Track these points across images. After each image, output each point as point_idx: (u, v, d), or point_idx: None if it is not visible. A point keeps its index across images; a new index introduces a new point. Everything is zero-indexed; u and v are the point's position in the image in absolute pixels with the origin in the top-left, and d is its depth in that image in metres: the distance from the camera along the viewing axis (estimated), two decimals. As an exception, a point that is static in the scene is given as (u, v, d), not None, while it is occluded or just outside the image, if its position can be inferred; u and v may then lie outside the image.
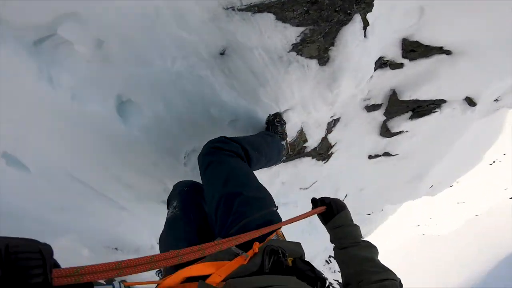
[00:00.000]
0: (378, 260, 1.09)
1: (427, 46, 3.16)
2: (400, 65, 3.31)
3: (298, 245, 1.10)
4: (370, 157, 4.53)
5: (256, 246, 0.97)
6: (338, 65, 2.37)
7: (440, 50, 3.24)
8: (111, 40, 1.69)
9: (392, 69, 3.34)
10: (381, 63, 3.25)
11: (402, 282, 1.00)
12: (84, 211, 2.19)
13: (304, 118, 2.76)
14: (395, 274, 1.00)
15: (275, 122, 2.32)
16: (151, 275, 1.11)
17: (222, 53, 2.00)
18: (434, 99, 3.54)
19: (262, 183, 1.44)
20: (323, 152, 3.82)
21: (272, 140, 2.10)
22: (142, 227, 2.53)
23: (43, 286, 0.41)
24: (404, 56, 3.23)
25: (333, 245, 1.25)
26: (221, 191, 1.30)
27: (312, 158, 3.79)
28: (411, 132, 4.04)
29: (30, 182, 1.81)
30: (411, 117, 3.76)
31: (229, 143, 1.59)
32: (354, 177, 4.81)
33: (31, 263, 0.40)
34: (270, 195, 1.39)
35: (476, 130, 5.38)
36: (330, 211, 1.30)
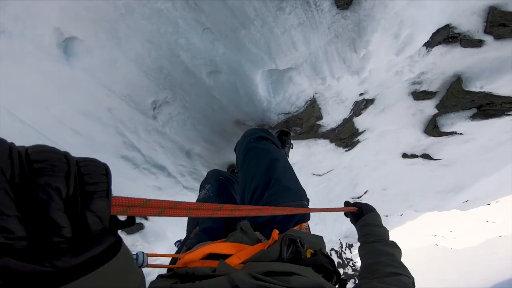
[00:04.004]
0: (399, 258, 1.00)
1: (527, 21, 1.95)
2: (478, 43, 2.13)
3: (319, 238, 1.00)
4: (404, 155, 3.43)
5: (275, 234, 0.90)
6: (367, 12, 1.38)
7: (544, 28, 2.00)
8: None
9: (464, 47, 2.17)
10: (447, 36, 2.09)
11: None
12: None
13: (317, 86, 1.83)
14: (410, 274, 0.90)
15: (286, 143, 2.12)
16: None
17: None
18: (515, 96, 2.32)
19: None
20: (346, 137, 2.86)
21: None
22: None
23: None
24: (487, 31, 2.04)
25: (360, 241, 1.16)
26: (260, 178, 1.24)
27: (331, 141, 2.86)
28: (466, 136, 2.85)
29: None
30: (473, 116, 2.58)
31: (272, 135, 1.61)
32: (379, 174, 3.76)
33: (97, 185, 0.32)
34: (303, 189, 1.30)
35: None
36: (361, 212, 1.23)
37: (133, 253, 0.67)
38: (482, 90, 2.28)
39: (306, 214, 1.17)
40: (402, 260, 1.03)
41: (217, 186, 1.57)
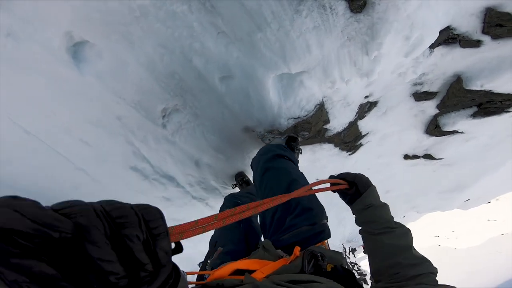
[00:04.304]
0: (414, 248, 0.89)
1: (521, 21, 2.01)
2: (477, 43, 2.18)
3: (339, 254, 0.96)
4: (406, 157, 3.44)
5: (297, 250, 0.90)
6: (380, 15, 1.39)
7: (539, 29, 2.06)
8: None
9: (463, 47, 2.22)
10: (448, 37, 2.14)
11: None
12: (30, 164, 1.54)
13: (326, 90, 1.82)
14: (432, 264, 0.83)
15: (295, 148, 2.07)
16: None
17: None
18: (514, 93, 2.36)
19: None
20: (350, 141, 2.85)
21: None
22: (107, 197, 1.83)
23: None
24: (485, 32, 2.10)
25: (360, 227, 1.02)
26: None
27: (335, 146, 2.85)
28: (467, 135, 2.88)
29: None
30: (474, 115, 2.61)
31: (288, 151, 1.59)
32: (382, 177, 3.75)
33: (159, 228, 0.39)
34: (322, 207, 1.25)
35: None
36: (356, 189, 1.03)
37: None
38: (482, 89, 2.31)
39: (327, 232, 1.13)
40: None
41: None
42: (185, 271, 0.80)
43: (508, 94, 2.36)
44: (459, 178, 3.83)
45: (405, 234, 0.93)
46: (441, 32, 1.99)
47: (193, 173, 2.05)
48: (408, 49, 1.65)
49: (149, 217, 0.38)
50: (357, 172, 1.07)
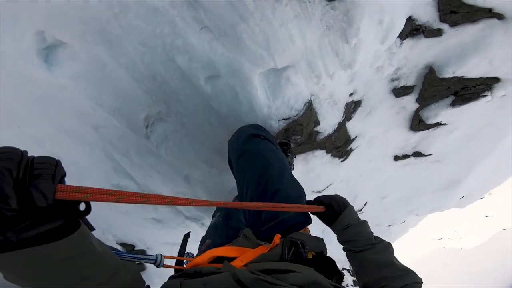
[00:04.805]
0: (397, 260, 0.93)
1: (471, 7, 2.15)
2: (438, 32, 2.31)
3: (320, 240, 0.98)
4: (396, 158, 3.42)
5: (277, 238, 0.89)
6: (352, 0, 1.45)
7: (489, 13, 2.22)
8: None
9: (427, 37, 2.34)
10: (412, 28, 2.26)
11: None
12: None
13: (313, 87, 1.81)
14: (416, 275, 0.87)
15: (288, 152, 2.05)
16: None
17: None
18: (485, 77, 2.46)
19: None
20: (341, 145, 2.80)
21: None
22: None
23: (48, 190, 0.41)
24: (442, 20, 2.23)
25: (343, 246, 1.06)
26: (254, 189, 1.18)
27: (327, 152, 2.78)
28: (450, 125, 2.92)
29: None
30: (453, 103, 2.67)
31: (265, 130, 1.52)
32: (376, 182, 3.67)
33: (43, 170, 0.40)
34: (303, 191, 1.22)
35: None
36: (333, 211, 1.08)
37: (153, 254, 0.84)
38: (455, 75, 2.40)
39: (309, 217, 1.13)
40: (396, 256, 0.96)
41: (226, 212, 1.66)
42: (163, 254, 0.85)
43: (480, 78, 2.46)
44: (450, 174, 3.83)
45: (386, 248, 0.98)
46: (405, 23, 2.10)
47: (184, 190, 1.87)
48: (383, 34, 1.70)
49: (39, 160, 0.40)
50: (334, 194, 1.14)
